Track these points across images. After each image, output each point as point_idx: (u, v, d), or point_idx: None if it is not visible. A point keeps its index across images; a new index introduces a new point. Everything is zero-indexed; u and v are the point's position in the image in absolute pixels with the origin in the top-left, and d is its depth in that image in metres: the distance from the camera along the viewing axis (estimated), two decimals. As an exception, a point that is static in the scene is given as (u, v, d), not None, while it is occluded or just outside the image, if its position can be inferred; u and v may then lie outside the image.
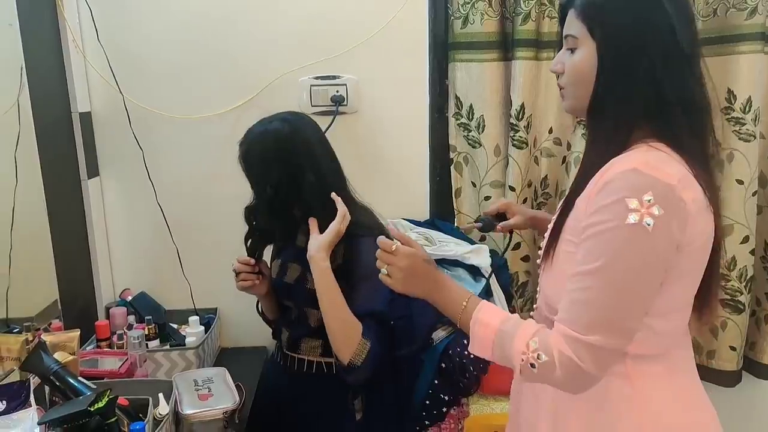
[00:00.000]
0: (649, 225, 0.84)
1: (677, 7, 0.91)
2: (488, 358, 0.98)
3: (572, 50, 0.98)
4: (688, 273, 0.93)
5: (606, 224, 0.87)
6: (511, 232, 1.45)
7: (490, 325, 0.96)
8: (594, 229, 0.89)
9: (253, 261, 1.46)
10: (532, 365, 0.90)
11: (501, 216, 1.42)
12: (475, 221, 1.47)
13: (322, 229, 1.33)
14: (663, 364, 0.98)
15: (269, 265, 1.53)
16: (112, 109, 1.81)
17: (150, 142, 1.84)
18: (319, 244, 1.30)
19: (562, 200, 1.03)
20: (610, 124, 0.95)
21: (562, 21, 1.03)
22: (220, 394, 1.46)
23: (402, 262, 1.04)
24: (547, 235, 1.04)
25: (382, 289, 1.28)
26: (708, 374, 2.00)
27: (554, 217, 1.03)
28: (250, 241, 1.48)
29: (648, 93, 0.92)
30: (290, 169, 1.34)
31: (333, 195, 1.34)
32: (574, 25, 0.97)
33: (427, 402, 1.57)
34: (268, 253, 1.54)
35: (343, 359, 1.27)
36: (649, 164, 0.87)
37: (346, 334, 1.27)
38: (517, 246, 1.92)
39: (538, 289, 1.09)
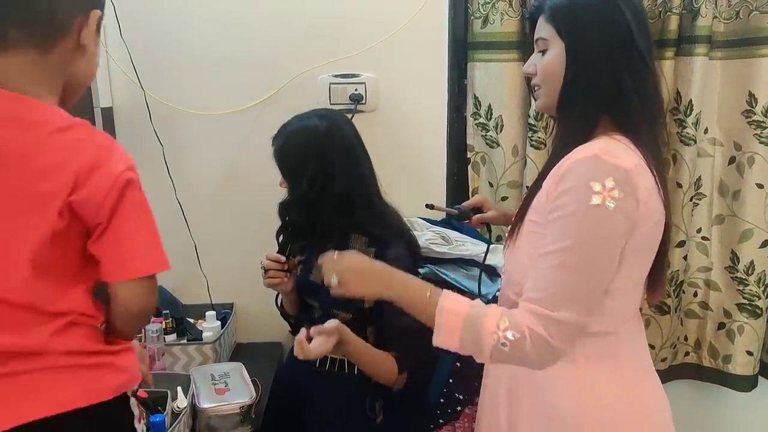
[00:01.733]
0: (610, 207, 0.92)
1: (633, 10, 1.01)
2: (453, 347, 1.00)
3: (543, 52, 1.07)
4: (637, 254, 1.00)
5: (571, 206, 0.95)
6: (488, 227, 1.48)
7: (457, 312, 0.99)
8: (560, 211, 0.96)
9: (283, 258, 1.46)
10: (503, 344, 0.95)
11: (477, 210, 1.46)
12: (453, 208, 1.49)
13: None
14: (611, 346, 1.05)
15: (295, 262, 1.54)
16: (134, 104, 1.83)
17: (170, 138, 1.86)
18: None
19: (531, 186, 1.11)
20: (577, 116, 1.03)
21: (533, 28, 1.12)
22: (237, 388, 1.48)
23: (344, 263, 1.08)
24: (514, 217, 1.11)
25: None
26: (724, 378, 1.99)
27: (522, 200, 1.11)
28: (281, 236, 1.48)
29: (610, 88, 1.01)
30: (327, 165, 1.35)
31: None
32: (544, 28, 1.07)
33: (442, 401, 1.58)
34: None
35: (389, 385, 1.35)
36: (609, 152, 0.95)
37: (382, 376, 1.34)
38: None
39: (503, 270, 1.17)
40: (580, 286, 0.96)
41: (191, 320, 1.86)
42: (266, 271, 1.47)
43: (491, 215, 1.44)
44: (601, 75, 1.01)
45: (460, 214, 1.44)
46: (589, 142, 1.00)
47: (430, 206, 1.42)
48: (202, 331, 1.77)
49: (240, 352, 1.92)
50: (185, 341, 1.72)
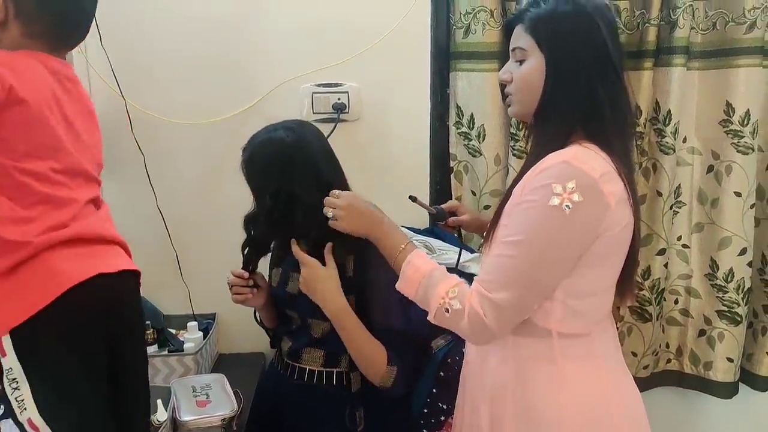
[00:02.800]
0: (567, 208, 0.98)
1: (607, 25, 1.06)
2: (411, 296, 1.14)
3: (521, 62, 1.10)
4: (606, 257, 1.06)
5: (532, 203, 1.01)
6: (459, 232, 1.54)
7: (420, 269, 1.13)
8: (522, 206, 1.03)
9: (246, 274, 1.45)
10: (446, 310, 1.07)
11: (453, 214, 1.55)
12: (432, 206, 1.55)
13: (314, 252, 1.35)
14: (586, 346, 1.10)
15: (269, 274, 1.53)
16: (114, 113, 1.81)
17: (151, 147, 1.84)
18: (321, 302, 1.32)
19: (505, 192, 1.17)
20: (554, 126, 1.07)
21: (508, 35, 1.15)
22: (218, 400, 1.46)
23: (343, 202, 1.23)
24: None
25: (395, 303, 1.30)
26: (705, 385, 2.01)
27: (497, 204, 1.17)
28: (246, 251, 1.48)
29: (586, 100, 1.06)
30: (292, 179, 1.34)
31: (293, 243, 1.36)
32: (522, 38, 1.10)
33: (426, 410, 1.57)
34: (264, 264, 1.54)
35: (372, 381, 1.32)
36: (578, 158, 1.00)
37: (371, 365, 1.32)
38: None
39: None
40: (522, 276, 1.03)
41: (173, 331, 1.83)
42: (231, 287, 1.47)
43: (464, 219, 1.52)
44: (579, 87, 1.06)
45: (437, 213, 1.51)
46: (562, 150, 1.04)
47: (412, 198, 1.48)
48: (183, 341, 1.75)
49: (222, 363, 1.90)
50: (166, 352, 1.70)
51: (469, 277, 1.69)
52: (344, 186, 1.42)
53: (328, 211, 1.24)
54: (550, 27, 1.07)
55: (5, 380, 1.01)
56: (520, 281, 1.03)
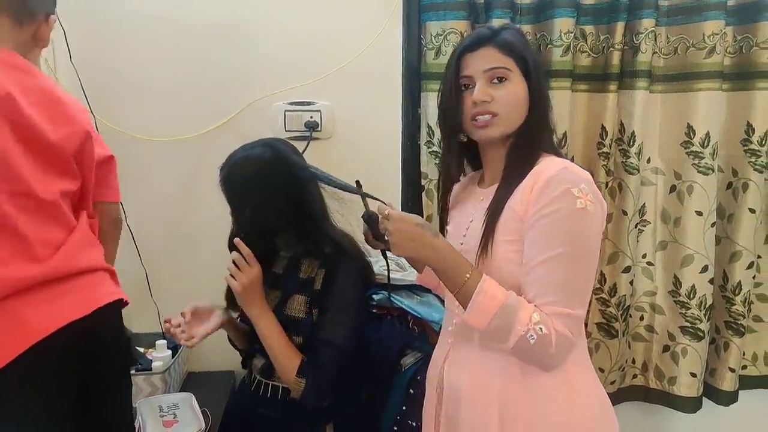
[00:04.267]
0: (589, 208, 1.02)
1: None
2: (479, 327, 1.05)
3: (499, 79, 1.12)
4: (599, 259, 1.10)
5: (561, 211, 1.02)
6: (385, 255, 1.35)
7: (496, 297, 1.04)
8: (550, 218, 1.03)
9: (180, 319, 1.44)
10: (531, 336, 1.01)
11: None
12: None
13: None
14: (580, 351, 1.13)
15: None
16: (84, 129, 1.79)
17: (121, 164, 1.80)
18: (241, 304, 1.36)
19: (486, 212, 1.12)
20: (536, 143, 1.12)
21: (456, 63, 1.14)
22: (185, 420, 1.45)
23: (392, 226, 1.08)
24: (478, 236, 1.13)
25: (348, 322, 1.31)
26: (669, 400, 2.05)
27: (484, 223, 1.12)
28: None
29: (549, 117, 1.16)
30: (270, 195, 1.35)
31: (236, 240, 1.36)
32: (499, 58, 1.12)
33: (395, 428, 1.57)
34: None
35: (294, 394, 1.33)
36: (570, 165, 1.06)
37: (282, 372, 1.34)
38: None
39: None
40: (583, 282, 1.05)
41: (141, 349, 1.81)
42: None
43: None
44: (548, 106, 1.15)
45: (368, 218, 1.26)
46: (546, 160, 1.09)
47: (357, 183, 1.27)
48: (152, 360, 1.73)
49: (192, 382, 1.88)
50: (134, 371, 1.68)
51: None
52: (321, 206, 1.43)
53: (387, 237, 1.10)
54: (525, 50, 1.13)
55: None
56: (582, 288, 1.05)
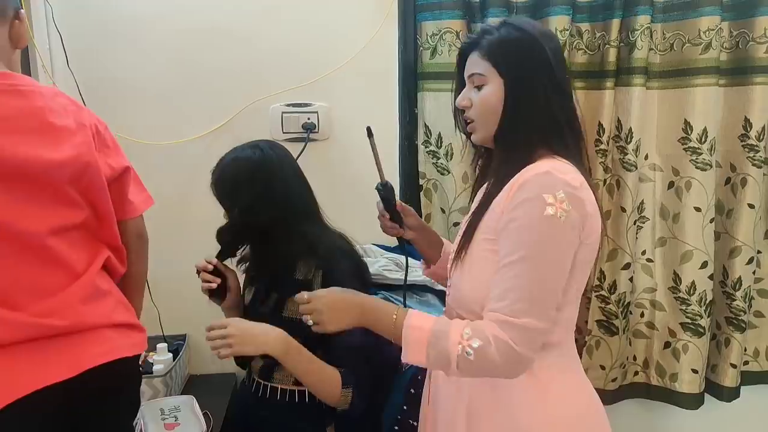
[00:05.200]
0: (561, 217, 0.98)
1: (553, 50, 1.10)
2: (421, 363, 1.04)
3: (479, 87, 1.12)
4: (582, 265, 1.06)
5: (527, 216, 1.00)
6: (400, 240, 1.39)
7: (423, 328, 1.03)
8: (517, 222, 1.00)
9: (215, 261, 1.46)
10: (468, 353, 0.98)
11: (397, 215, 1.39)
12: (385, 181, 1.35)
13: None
14: (562, 356, 1.11)
15: (243, 293, 1.53)
16: (82, 134, 1.80)
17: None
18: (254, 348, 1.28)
19: (475, 204, 1.14)
20: (519, 145, 1.09)
21: (461, 64, 1.16)
22: (187, 423, 1.45)
23: (318, 304, 1.11)
24: (459, 235, 1.15)
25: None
26: (671, 397, 2.04)
27: (467, 219, 1.14)
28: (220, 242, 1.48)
29: (546, 119, 1.09)
30: (260, 195, 1.36)
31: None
32: (479, 64, 1.11)
33: (396, 427, 1.57)
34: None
35: (332, 404, 1.31)
36: (558, 169, 1.02)
37: (326, 394, 1.31)
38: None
39: (447, 290, 1.20)
40: (539, 292, 1.00)
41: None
42: (199, 272, 1.47)
43: (413, 218, 1.37)
44: (538, 107, 1.09)
45: (384, 188, 1.32)
46: (537, 162, 1.06)
47: (369, 132, 1.32)
48: (153, 363, 1.74)
49: (193, 385, 1.89)
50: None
51: (438, 293, 1.72)
52: (313, 206, 1.44)
53: (308, 320, 1.12)
54: (505, 51, 1.10)
55: None
56: (537, 298, 1.00)
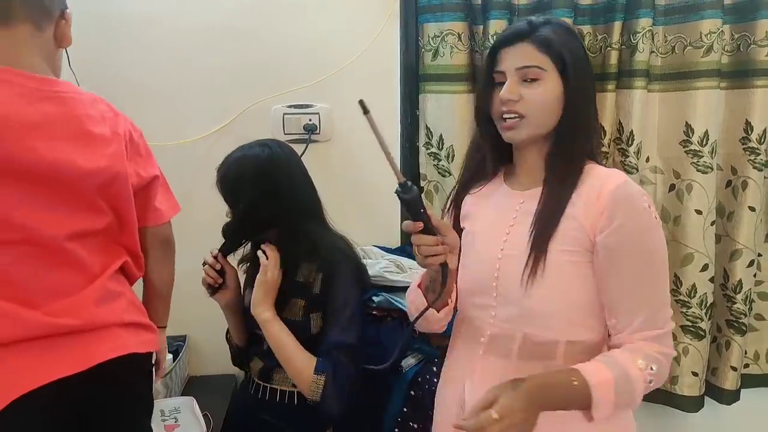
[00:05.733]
0: (659, 221, 1.03)
1: (584, 44, 1.10)
2: (610, 411, 0.96)
3: (531, 81, 1.05)
4: None
5: (639, 226, 1.01)
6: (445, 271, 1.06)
7: (606, 382, 0.96)
8: (627, 232, 1.00)
9: (216, 252, 1.46)
10: (650, 381, 0.99)
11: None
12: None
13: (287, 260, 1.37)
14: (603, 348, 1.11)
15: (243, 294, 1.53)
16: (83, 134, 1.80)
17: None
18: (254, 302, 1.35)
19: (535, 218, 1.07)
20: (581, 145, 1.07)
21: (494, 52, 1.10)
22: (186, 424, 1.45)
23: (516, 418, 0.92)
24: (526, 243, 1.06)
25: (356, 322, 1.30)
26: (671, 399, 2.04)
27: (535, 230, 1.05)
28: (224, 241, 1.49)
29: (593, 119, 1.10)
30: (265, 193, 1.36)
31: (262, 248, 1.37)
32: (535, 57, 1.05)
33: (396, 430, 1.57)
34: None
35: (305, 395, 1.31)
36: (628, 178, 1.05)
37: (299, 374, 1.31)
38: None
39: (492, 306, 1.10)
40: (665, 296, 1.04)
41: (142, 354, 1.81)
42: (204, 265, 1.47)
43: (454, 241, 1.05)
44: (591, 108, 1.09)
45: (404, 187, 1.00)
46: (598, 169, 1.08)
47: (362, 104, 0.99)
48: (153, 364, 1.73)
49: (193, 386, 1.88)
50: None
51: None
52: (317, 206, 1.45)
53: None
54: (565, 47, 1.05)
55: None
56: (666, 303, 1.04)
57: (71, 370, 1.03)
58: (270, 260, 1.36)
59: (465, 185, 1.22)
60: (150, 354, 1.25)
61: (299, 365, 1.31)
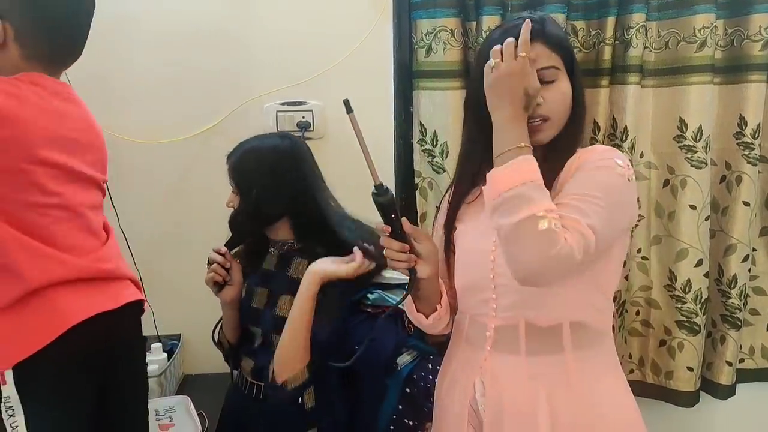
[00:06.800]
0: (630, 180, 1.00)
1: None
2: (497, 192, 0.95)
3: (550, 82, 1.03)
4: (625, 237, 1.08)
5: (599, 166, 0.99)
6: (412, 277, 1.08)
7: (534, 171, 0.95)
8: (585, 170, 0.99)
9: (224, 249, 1.45)
10: (543, 225, 0.91)
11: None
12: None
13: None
14: (612, 344, 1.13)
15: (238, 263, 1.52)
16: (75, 133, 1.79)
17: (112, 167, 1.79)
18: (321, 268, 1.29)
19: None
20: (578, 141, 1.08)
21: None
22: (181, 423, 1.45)
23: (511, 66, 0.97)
24: None
25: (333, 317, 1.29)
26: (667, 394, 2.05)
27: None
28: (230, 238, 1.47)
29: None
30: (282, 180, 1.37)
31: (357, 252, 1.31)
32: (549, 57, 1.03)
33: (392, 427, 1.56)
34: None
35: (279, 376, 1.28)
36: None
37: (292, 355, 1.29)
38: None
39: (492, 299, 1.09)
40: (609, 228, 0.96)
41: (136, 353, 1.81)
42: (210, 264, 1.45)
43: (429, 249, 1.08)
44: (584, 104, 1.10)
45: (379, 189, 1.04)
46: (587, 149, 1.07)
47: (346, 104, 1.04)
48: (147, 364, 1.72)
49: (188, 384, 1.88)
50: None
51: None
52: (331, 200, 1.45)
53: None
54: (569, 48, 1.07)
55: (2, 406, 1.09)
56: (601, 229, 0.94)
57: (109, 306, 1.19)
58: (361, 268, 1.30)
59: (459, 200, 1.19)
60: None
61: (300, 351, 1.28)
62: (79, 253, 1.19)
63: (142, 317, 1.39)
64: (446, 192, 1.26)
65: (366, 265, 1.30)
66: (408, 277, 1.08)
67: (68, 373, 1.13)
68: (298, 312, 1.29)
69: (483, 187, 1.00)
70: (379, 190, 1.02)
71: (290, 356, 1.28)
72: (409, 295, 1.15)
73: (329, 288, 1.32)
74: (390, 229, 1.03)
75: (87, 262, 1.19)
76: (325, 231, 1.39)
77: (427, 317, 1.16)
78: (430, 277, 1.09)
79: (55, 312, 1.11)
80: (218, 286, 1.46)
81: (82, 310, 1.14)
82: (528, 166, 0.95)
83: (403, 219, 1.04)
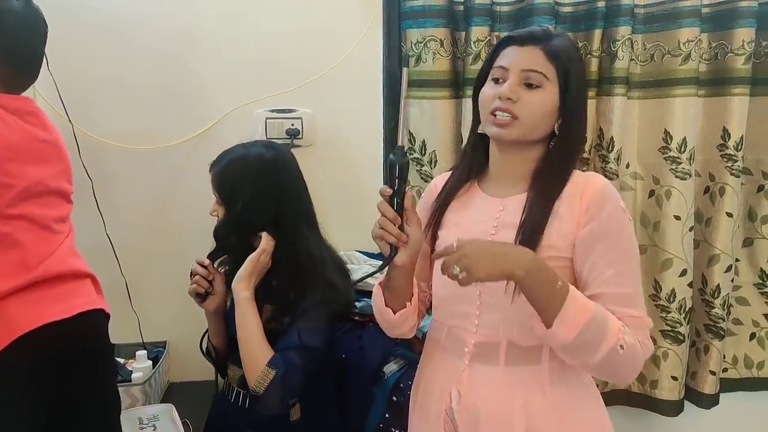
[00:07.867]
0: (631, 221, 1.07)
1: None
2: (566, 337, 0.95)
3: (532, 85, 1.07)
4: None
5: (617, 225, 1.04)
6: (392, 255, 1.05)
7: (586, 306, 0.97)
8: (606, 233, 1.03)
9: (207, 262, 1.45)
10: (621, 346, 0.96)
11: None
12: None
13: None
14: None
15: (222, 273, 1.51)
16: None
17: (99, 172, 1.81)
18: (238, 276, 1.35)
19: (522, 226, 1.06)
20: (573, 155, 1.11)
21: (499, 49, 1.12)
22: None
23: (467, 248, 0.95)
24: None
25: (321, 327, 1.29)
26: (651, 404, 2.06)
27: (523, 233, 1.05)
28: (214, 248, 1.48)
29: (584, 133, 1.14)
30: (267, 193, 1.36)
31: (263, 234, 1.37)
32: (542, 64, 1.07)
33: (379, 436, 1.57)
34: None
35: (249, 384, 1.29)
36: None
37: (252, 360, 1.30)
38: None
39: (475, 315, 1.10)
40: (639, 286, 1.05)
41: (121, 360, 1.79)
42: (192, 276, 1.45)
43: (416, 235, 1.06)
44: (584, 123, 1.15)
45: (400, 149, 1.00)
46: (581, 174, 1.11)
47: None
48: (132, 371, 1.71)
49: (173, 392, 1.86)
50: (113, 383, 1.65)
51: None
52: (312, 212, 1.44)
53: (454, 271, 0.93)
54: (571, 60, 1.09)
55: None
56: (638, 285, 1.06)
57: (61, 315, 1.18)
58: (267, 247, 1.36)
59: (455, 186, 1.20)
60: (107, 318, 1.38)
61: (256, 352, 1.30)
62: (36, 259, 1.20)
63: (109, 324, 1.38)
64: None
65: (266, 242, 1.36)
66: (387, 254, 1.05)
67: (16, 382, 1.13)
68: (239, 317, 1.33)
69: (547, 332, 0.97)
70: (398, 152, 1.00)
71: (248, 362, 1.30)
72: (380, 288, 1.15)
73: (308, 299, 1.33)
74: (391, 192, 1.01)
75: (42, 267, 1.20)
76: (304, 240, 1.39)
77: (394, 313, 1.15)
78: (406, 267, 1.07)
79: (3, 322, 1.12)
80: (201, 297, 1.46)
81: (30, 320, 1.14)
82: (579, 307, 0.96)
83: (408, 192, 1.02)
